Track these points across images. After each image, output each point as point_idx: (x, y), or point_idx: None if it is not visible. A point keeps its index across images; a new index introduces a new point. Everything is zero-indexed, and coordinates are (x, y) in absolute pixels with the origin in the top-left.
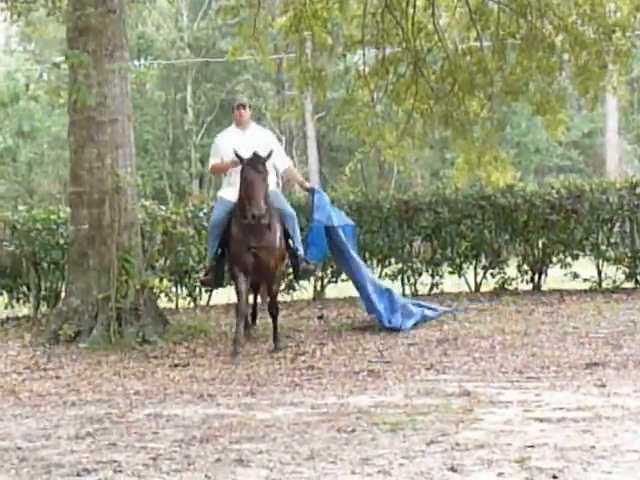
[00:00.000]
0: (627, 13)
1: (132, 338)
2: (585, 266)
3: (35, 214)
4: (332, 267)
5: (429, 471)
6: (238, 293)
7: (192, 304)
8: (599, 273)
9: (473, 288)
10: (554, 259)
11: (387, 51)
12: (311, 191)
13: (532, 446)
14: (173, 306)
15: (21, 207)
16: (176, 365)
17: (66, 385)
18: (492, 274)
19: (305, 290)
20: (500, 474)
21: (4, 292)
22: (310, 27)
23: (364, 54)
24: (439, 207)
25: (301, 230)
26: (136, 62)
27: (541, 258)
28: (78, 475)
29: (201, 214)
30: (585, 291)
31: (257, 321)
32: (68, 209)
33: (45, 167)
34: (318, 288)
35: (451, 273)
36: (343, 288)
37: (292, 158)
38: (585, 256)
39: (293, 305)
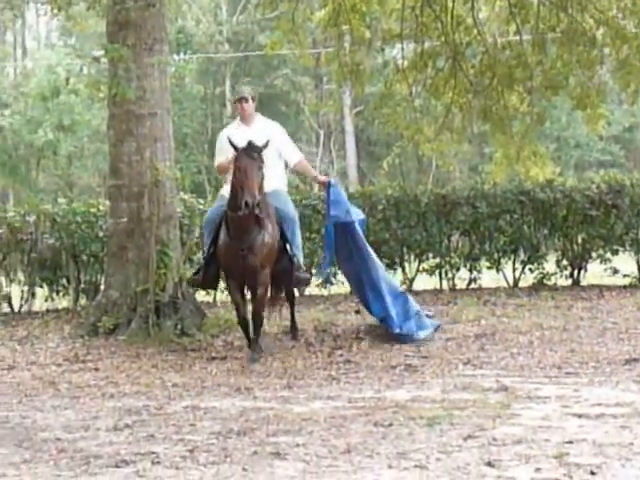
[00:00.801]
0: None
1: (170, 331)
2: (625, 261)
3: (75, 207)
4: None
5: (466, 466)
6: (234, 304)
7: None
8: (639, 268)
9: (511, 283)
10: (594, 254)
11: (426, 45)
12: (326, 185)
13: (570, 442)
14: (211, 299)
15: (61, 200)
16: (213, 358)
17: (105, 377)
18: (530, 269)
19: (342, 284)
20: (538, 470)
21: (44, 285)
22: (349, 21)
23: (403, 48)
24: (477, 202)
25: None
26: (175, 56)
27: (580, 253)
28: (116, 466)
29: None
30: (625, 287)
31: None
32: (107, 202)
33: (85, 160)
34: None
35: (489, 268)
36: None
37: (330, 152)
38: (625, 251)
39: (330, 299)
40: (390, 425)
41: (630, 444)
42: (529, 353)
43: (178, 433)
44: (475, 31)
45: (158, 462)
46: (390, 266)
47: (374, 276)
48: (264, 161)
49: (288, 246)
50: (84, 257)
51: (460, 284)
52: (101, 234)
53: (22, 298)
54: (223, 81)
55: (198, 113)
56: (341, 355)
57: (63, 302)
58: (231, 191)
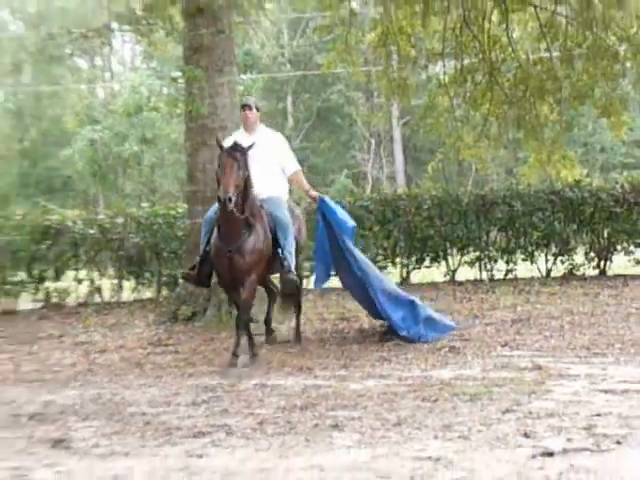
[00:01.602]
0: None
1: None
2: None
3: (157, 210)
4: (418, 253)
5: (504, 437)
6: (231, 303)
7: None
8: None
9: (544, 274)
10: (618, 247)
11: (465, 62)
12: (317, 200)
13: (598, 415)
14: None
15: (145, 204)
16: (279, 341)
17: (184, 359)
18: (561, 261)
19: (392, 275)
20: (569, 440)
21: (131, 278)
22: (396, 42)
23: (444, 65)
24: (513, 201)
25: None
26: (243, 76)
27: (606, 246)
28: (194, 437)
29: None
30: None
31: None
32: (185, 205)
33: (165, 169)
34: (404, 274)
35: (524, 260)
36: (426, 274)
37: (380, 159)
38: None
39: None
40: (436, 400)
41: None
42: (560, 336)
43: (248, 408)
44: (509, 49)
45: (231, 433)
46: (435, 259)
47: (375, 284)
48: (247, 162)
49: (280, 250)
50: (165, 254)
51: (498, 275)
52: (180, 233)
53: (112, 290)
54: (285, 97)
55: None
56: (391, 339)
57: (147, 293)
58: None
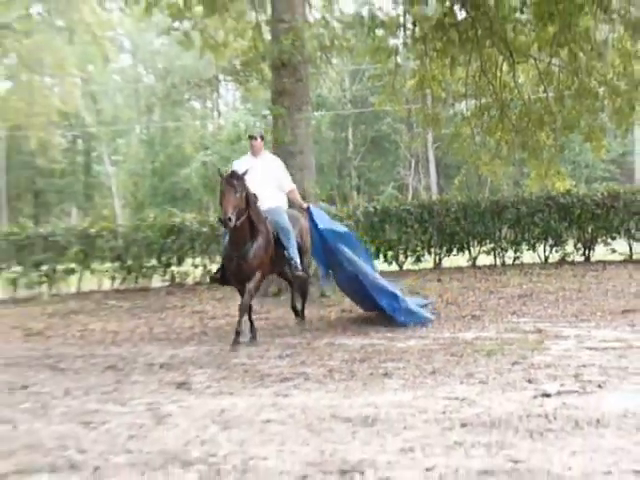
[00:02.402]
0: None
1: (313, 294)
2: (620, 244)
3: None
4: (447, 245)
5: (513, 382)
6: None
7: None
8: (630, 249)
9: (543, 260)
10: (599, 240)
11: (482, 101)
12: (307, 210)
13: (584, 366)
14: None
15: None
16: (343, 311)
17: (273, 324)
18: (556, 250)
19: (427, 261)
20: (562, 385)
21: None
22: (430, 86)
23: (466, 103)
24: (519, 205)
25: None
26: (315, 113)
27: (590, 239)
28: (281, 381)
29: (357, 212)
30: (620, 262)
31: (304, 312)
32: None
33: None
34: (437, 261)
35: (527, 250)
36: (453, 260)
37: (418, 174)
38: (620, 237)
39: (418, 272)
40: (461, 355)
41: (625, 367)
42: (555, 306)
43: (320, 360)
44: (516, 91)
45: (308, 379)
46: (460, 249)
47: (368, 279)
48: (244, 184)
49: (286, 252)
50: None
51: (508, 261)
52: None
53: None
54: (347, 128)
55: (330, 150)
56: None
57: None
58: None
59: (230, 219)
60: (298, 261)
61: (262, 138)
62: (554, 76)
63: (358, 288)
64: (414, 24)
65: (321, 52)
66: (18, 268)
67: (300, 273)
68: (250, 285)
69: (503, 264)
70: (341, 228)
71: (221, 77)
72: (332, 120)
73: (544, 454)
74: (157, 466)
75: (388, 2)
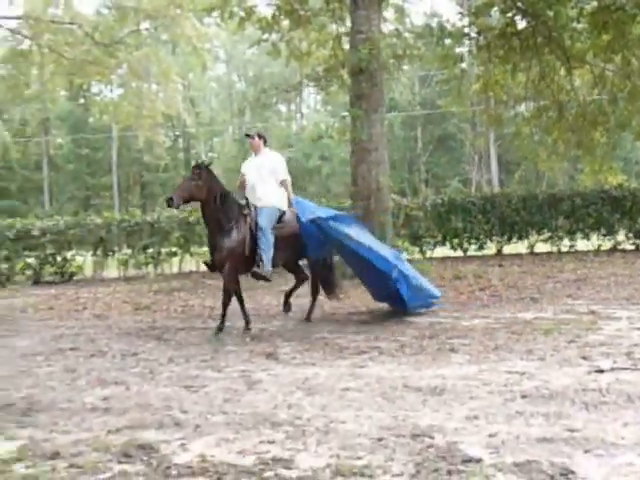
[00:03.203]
0: None
1: None
2: None
3: (331, 204)
4: (508, 233)
5: (569, 359)
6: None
7: (421, 256)
8: None
9: (596, 248)
10: None
11: (541, 103)
12: (293, 201)
13: (636, 345)
14: (410, 257)
15: (323, 200)
16: None
17: (350, 304)
18: (608, 239)
19: (489, 248)
20: (615, 362)
21: None
22: (493, 89)
23: (526, 104)
24: (574, 198)
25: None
26: (388, 114)
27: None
28: (358, 354)
29: (426, 203)
30: None
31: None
32: (349, 201)
33: (336, 177)
34: (498, 248)
35: (582, 239)
36: (513, 248)
37: (481, 169)
38: None
39: (482, 258)
40: (521, 334)
41: None
42: (608, 290)
43: (393, 335)
44: (572, 93)
45: (382, 352)
46: (520, 238)
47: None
48: (208, 177)
49: (258, 249)
50: None
51: (564, 249)
52: None
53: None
54: (416, 128)
55: (402, 147)
56: (491, 292)
57: None
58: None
59: (172, 199)
60: (265, 260)
61: (260, 137)
62: (608, 80)
63: (364, 265)
64: (479, 33)
65: (394, 60)
66: (128, 251)
67: (261, 272)
68: (224, 284)
69: (559, 251)
70: (330, 211)
71: (305, 83)
72: (403, 120)
73: (599, 424)
74: (249, 426)
75: (454, 14)
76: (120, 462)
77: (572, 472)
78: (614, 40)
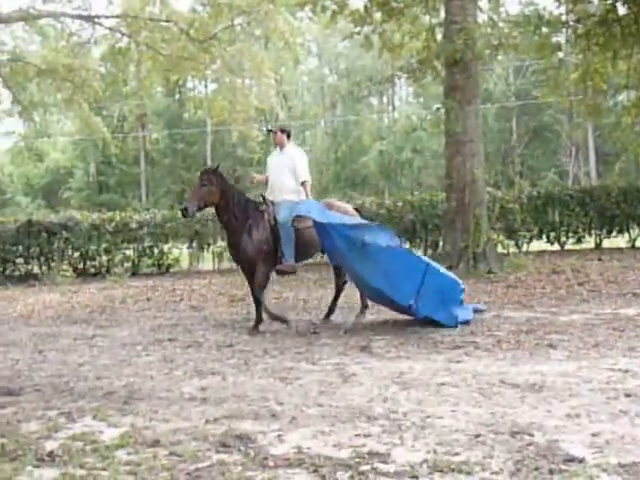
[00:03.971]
0: None
1: (482, 270)
2: None
3: (424, 196)
4: (607, 226)
5: None
6: None
7: (517, 250)
8: None
9: None
10: None
11: None
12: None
13: None
14: (505, 251)
15: (415, 193)
16: (509, 286)
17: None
18: None
19: (588, 242)
20: None
21: (407, 242)
22: (591, 78)
23: (627, 93)
24: None
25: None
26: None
27: None
28: (453, 349)
29: (522, 196)
30: None
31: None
32: (443, 194)
33: (428, 170)
34: (597, 241)
35: None
36: (613, 242)
37: (578, 161)
38: None
39: (580, 252)
40: (623, 330)
41: None
42: None
43: (489, 330)
44: None
45: (478, 347)
46: (620, 231)
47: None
48: (218, 180)
49: (279, 245)
50: (430, 226)
51: None
52: (439, 212)
53: None
54: (511, 119)
55: (495, 140)
56: (590, 285)
57: (418, 252)
58: None
59: (187, 209)
60: (286, 255)
61: (283, 131)
62: None
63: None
64: (577, 21)
65: (489, 50)
66: (223, 243)
67: (286, 268)
68: (257, 280)
69: None
70: (352, 220)
71: (398, 75)
72: (497, 112)
73: None
74: (345, 419)
75: (551, 1)
76: (218, 451)
77: None
78: None
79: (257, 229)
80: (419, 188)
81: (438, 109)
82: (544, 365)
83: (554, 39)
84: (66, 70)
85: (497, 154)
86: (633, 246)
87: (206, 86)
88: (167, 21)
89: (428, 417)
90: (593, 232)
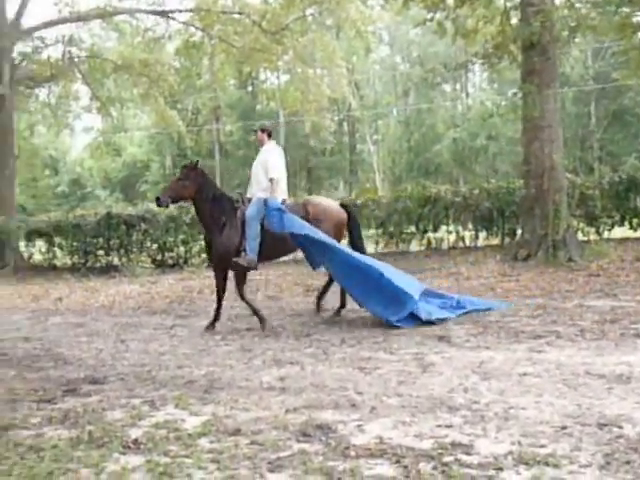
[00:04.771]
0: None
1: (562, 258)
2: None
3: (501, 184)
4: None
5: None
6: None
7: (598, 237)
8: None
9: None
10: None
11: None
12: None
13: None
14: (586, 238)
15: (492, 180)
16: (590, 275)
17: (523, 285)
18: None
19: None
20: None
21: (483, 230)
22: None
23: None
24: None
25: None
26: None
27: None
28: (534, 338)
29: (603, 182)
30: None
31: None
32: (520, 181)
33: (504, 156)
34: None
35: None
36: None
37: None
38: None
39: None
40: None
41: None
42: None
43: (571, 320)
44: None
45: (560, 337)
46: None
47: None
48: (197, 176)
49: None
50: (507, 213)
51: None
52: (516, 199)
53: (471, 238)
54: (590, 103)
55: (573, 124)
56: None
57: (494, 241)
58: None
59: (159, 199)
60: (248, 250)
61: (263, 131)
62: None
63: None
64: None
65: (567, 32)
66: None
67: (241, 261)
68: (234, 279)
69: None
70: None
71: (473, 60)
72: (575, 96)
73: None
74: (425, 409)
75: None
76: (299, 441)
77: None
78: None
79: (230, 226)
80: (494, 175)
81: (515, 94)
82: (631, 355)
83: (635, 19)
84: (142, 65)
85: (575, 139)
86: None
87: (278, 77)
88: (239, 13)
89: (511, 408)
90: None
